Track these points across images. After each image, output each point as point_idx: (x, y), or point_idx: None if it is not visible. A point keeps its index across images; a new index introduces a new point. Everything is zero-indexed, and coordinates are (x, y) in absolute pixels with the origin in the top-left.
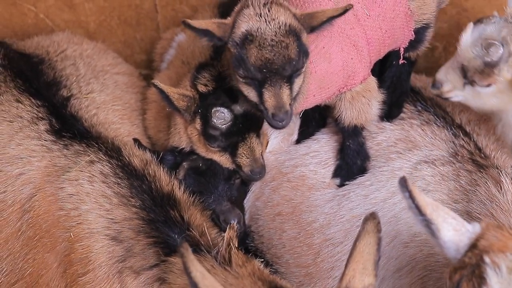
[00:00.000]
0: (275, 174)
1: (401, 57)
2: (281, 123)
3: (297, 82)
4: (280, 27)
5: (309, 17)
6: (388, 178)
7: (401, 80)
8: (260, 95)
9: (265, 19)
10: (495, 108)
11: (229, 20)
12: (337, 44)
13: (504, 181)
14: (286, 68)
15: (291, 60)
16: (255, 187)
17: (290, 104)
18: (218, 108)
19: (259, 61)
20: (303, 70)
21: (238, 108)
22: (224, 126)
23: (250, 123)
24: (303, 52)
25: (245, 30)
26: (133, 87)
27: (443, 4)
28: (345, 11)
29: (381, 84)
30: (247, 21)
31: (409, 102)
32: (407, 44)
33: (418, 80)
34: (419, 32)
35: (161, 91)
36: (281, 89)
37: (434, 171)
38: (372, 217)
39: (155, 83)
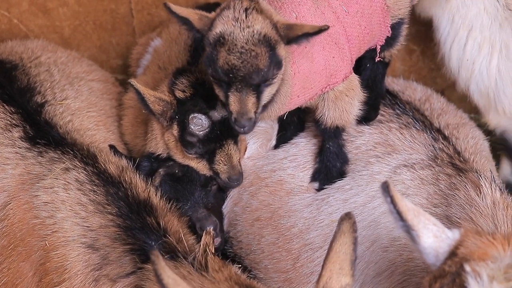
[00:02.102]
0: (254, 179)
1: (378, 54)
2: (242, 129)
3: (267, 91)
4: (253, 35)
5: (288, 28)
6: (367, 182)
7: (376, 82)
8: (226, 97)
9: (240, 25)
10: None
11: (212, 15)
12: (319, 43)
13: (483, 185)
14: (253, 77)
15: (259, 70)
16: (233, 193)
17: (255, 112)
18: (196, 115)
19: (226, 65)
20: (275, 80)
21: (215, 115)
22: (201, 132)
23: (227, 130)
24: (275, 63)
25: (219, 32)
26: (108, 94)
27: (415, 1)
28: (320, 30)
29: None
30: (223, 23)
31: (388, 105)
32: (384, 41)
33: (396, 84)
34: (394, 28)
35: (137, 92)
36: (247, 96)
37: (414, 175)
38: (347, 217)
39: (131, 82)
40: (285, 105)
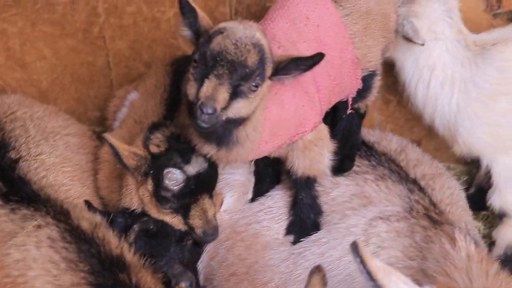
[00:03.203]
0: (230, 233)
1: (349, 107)
2: (203, 118)
3: (241, 103)
4: (253, 36)
5: (279, 59)
6: (343, 235)
7: (351, 132)
8: (201, 83)
9: (244, 25)
10: None
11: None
12: (289, 90)
13: (458, 238)
14: (237, 68)
15: (246, 64)
16: (209, 247)
17: (223, 108)
18: (170, 169)
19: (217, 46)
20: (251, 96)
21: (190, 169)
22: (176, 187)
23: (203, 184)
24: (259, 72)
25: (221, 27)
26: (84, 148)
27: (387, 53)
28: (314, 57)
29: (332, 137)
30: (227, 23)
31: (363, 156)
32: (355, 93)
33: (371, 135)
34: (366, 80)
35: (111, 146)
36: (222, 86)
37: (389, 227)
38: (317, 270)
39: (105, 136)
40: (252, 150)
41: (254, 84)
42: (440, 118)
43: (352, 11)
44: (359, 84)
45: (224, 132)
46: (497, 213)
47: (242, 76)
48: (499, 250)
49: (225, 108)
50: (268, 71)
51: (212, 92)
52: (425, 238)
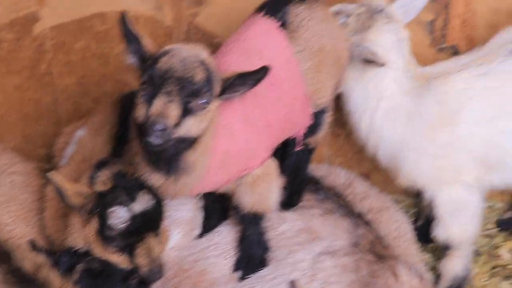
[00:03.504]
0: (177, 270)
1: (299, 143)
2: (154, 136)
3: (192, 120)
4: (198, 55)
5: (224, 74)
6: (290, 270)
7: (300, 168)
8: (151, 102)
9: (189, 46)
10: None
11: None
12: (239, 123)
13: (401, 272)
14: (185, 84)
15: (193, 80)
16: (156, 285)
17: (175, 124)
18: (115, 208)
19: (164, 65)
20: (201, 112)
21: (136, 207)
22: (121, 226)
23: (148, 222)
24: (207, 89)
25: (167, 48)
26: (30, 186)
27: (339, 89)
28: (258, 72)
29: (281, 173)
30: (173, 45)
31: (311, 191)
32: (306, 129)
33: (319, 169)
34: (317, 117)
35: (55, 185)
36: (172, 103)
37: (336, 262)
38: None
39: (49, 175)
40: (200, 179)
41: (203, 101)
42: (384, 149)
43: (305, 48)
44: (309, 121)
45: (173, 156)
46: (441, 245)
47: (190, 93)
48: (445, 282)
49: (176, 125)
50: (216, 89)
51: (162, 109)
52: (370, 273)
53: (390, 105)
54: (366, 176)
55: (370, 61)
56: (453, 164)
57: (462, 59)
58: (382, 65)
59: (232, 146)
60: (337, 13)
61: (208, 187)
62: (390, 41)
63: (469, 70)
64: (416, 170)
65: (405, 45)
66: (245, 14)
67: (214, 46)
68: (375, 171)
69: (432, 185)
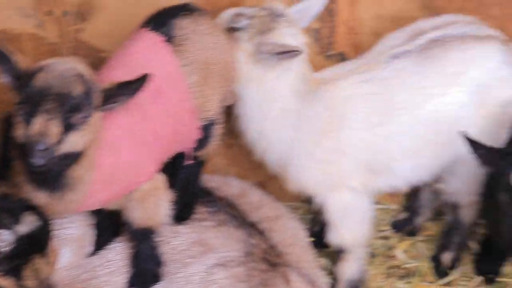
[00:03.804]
0: None
1: (189, 157)
2: (38, 158)
3: (73, 136)
4: (74, 68)
5: (104, 85)
6: (184, 284)
7: (191, 181)
8: (30, 121)
9: (64, 60)
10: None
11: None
12: (125, 138)
13: (293, 279)
14: (63, 100)
15: (72, 95)
16: None
17: (58, 142)
18: None
19: (40, 82)
20: (83, 127)
21: (21, 229)
22: (5, 249)
23: (34, 243)
24: (88, 102)
25: (42, 64)
26: None
27: (228, 101)
28: (138, 81)
29: (172, 186)
30: (47, 61)
31: (203, 203)
32: (195, 142)
33: (212, 181)
34: (206, 129)
35: None
36: (52, 121)
37: (228, 273)
38: None
39: None
40: (86, 196)
41: (84, 115)
42: (272, 154)
43: (191, 61)
44: (198, 134)
45: (57, 173)
46: (335, 249)
47: (70, 108)
48: (341, 286)
49: (58, 142)
50: (96, 100)
51: (42, 128)
52: (263, 281)
53: (282, 109)
54: (262, 185)
55: (284, 54)
56: (339, 170)
57: (348, 65)
58: (299, 52)
59: (118, 161)
60: (238, 15)
61: (96, 204)
62: (292, 45)
63: (353, 77)
64: (304, 175)
65: (304, 49)
66: (131, 28)
67: (102, 61)
68: (271, 180)
69: (320, 191)
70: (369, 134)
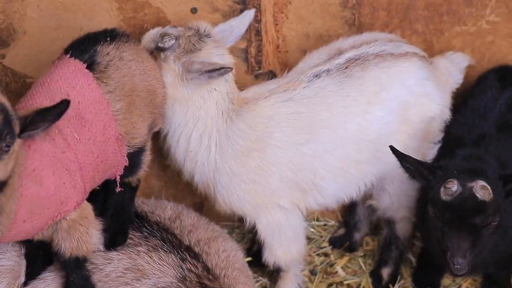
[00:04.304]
0: None
1: (118, 185)
2: None
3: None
4: None
5: (23, 112)
6: None
7: (123, 206)
8: None
9: None
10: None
11: None
12: (49, 167)
13: None
14: None
15: None
16: None
17: None
18: None
19: None
20: (4, 157)
21: None
22: None
23: None
24: (8, 132)
25: None
26: None
27: (156, 128)
28: (59, 106)
29: (104, 212)
30: None
31: (135, 228)
32: (123, 170)
33: (146, 204)
34: (134, 156)
35: None
36: None
37: None
38: None
39: None
40: (8, 226)
41: (5, 144)
42: (199, 174)
43: (115, 88)
44: (125, 161)
45: None
46: (272, 269)
47: None
48: None
49: None
50: (16, 128)
51: None
52: None
53: (204, 128)
54: (199, 205)
55: (213, 72)
56: (266, 189)
57: (271, 84)
58: (228, 70)
59: (41, 192)
60: (163, 35)
61: (22, 235)
62: (218, 62)
63: (275, 96)
64: (232, 196)
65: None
66: (54, 53)
67: (27, 87)
68: (209, 200)
69: (249, 211)
70: (294, 152)
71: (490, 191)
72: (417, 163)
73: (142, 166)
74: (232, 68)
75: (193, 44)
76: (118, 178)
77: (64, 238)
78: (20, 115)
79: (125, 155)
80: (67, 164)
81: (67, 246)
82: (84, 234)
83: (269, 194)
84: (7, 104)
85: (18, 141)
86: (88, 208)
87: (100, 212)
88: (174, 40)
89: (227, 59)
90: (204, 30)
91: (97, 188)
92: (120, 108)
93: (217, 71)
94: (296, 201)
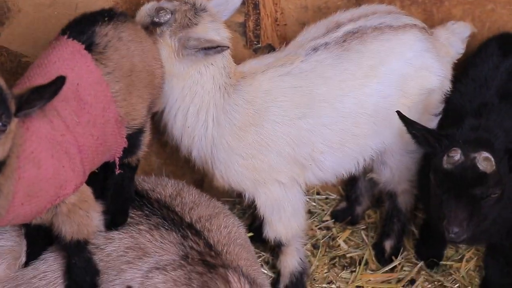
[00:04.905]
0: None
1: (117, 167)
2: None
3: None
4: None
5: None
6: None
7: (123, 186)
8: None
9: None
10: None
11: None
12: (47, 150)
13: (232, 280)
14: None
15: None
16: None
17: None
18: None
19: None
20: (0, 135)
21: None
22: None
23: None
24: (3, 111)
25: None
26: None
27: (155, 108)
28: (53, 84)
29: (104, 192)
30: None
31: (136, 207)
32: (122, 152)
33: (146, 182)
34: (134, 137)
35: None
36: None
37: (166, 277)
38: None
39: None
40: (5, 208)
41: (1, 123)
42: (197, 150)
43: (114, 69)
44: (124, 143)
45: None
46: (273, 244)
47: None
48: (285, 279)
49: None
50: (12, 107)
51: None
52: (202, 284)
53: (201, 102)
54: (200, 182)
55: (210, 49)
56: (264, 164)
57: (268, 58)
58: (225, 48)
59: (39, 174)
60: (159, 10)
61: (19, 219)
62: (215, 39)
63: (272, 70)
64: (230, 172)
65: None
66: (48, 31)
67: (23, 66)
68: (209, 176)
69: (248, 186)
70: (292, 127)
71: (493, 163)
72: (424, 130)
73: (142, 147)
74: (228, 47)
75: (189, 19)
76: (117, 160)
77: (64, 222)
78: (16, 94)
79: (125, 136)
80: (67, 147)
81: (67, 230)
82: (84, 218)
83: (268, 169)
84: (1, 83)
85: (14, 121)
86: (87, 191)
87: (100, 192)
88: (170, 15)
89: (224, 34)
90: (200, 4)
91: (96, 170)
92: (119, 89)
93: (214, 48)
94: (295, 176)
